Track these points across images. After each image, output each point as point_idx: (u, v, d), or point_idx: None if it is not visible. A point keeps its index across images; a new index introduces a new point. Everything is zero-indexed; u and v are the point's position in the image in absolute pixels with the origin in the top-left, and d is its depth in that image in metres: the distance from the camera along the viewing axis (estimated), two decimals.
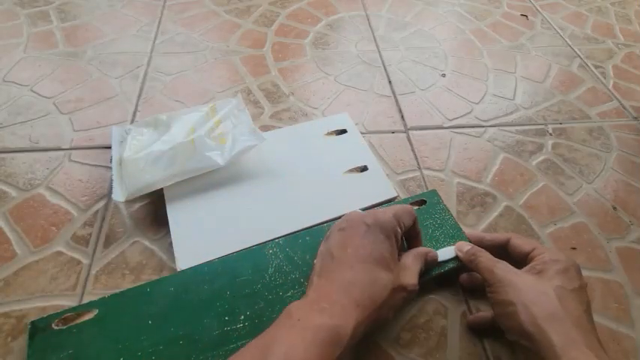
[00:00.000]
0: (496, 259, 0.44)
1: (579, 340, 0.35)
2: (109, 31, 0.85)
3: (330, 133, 0.66)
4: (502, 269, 0.42)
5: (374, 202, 0.58)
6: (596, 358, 0.34)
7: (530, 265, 0.43)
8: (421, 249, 0.47)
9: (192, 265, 0.48)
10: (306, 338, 0.33)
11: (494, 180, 0.64)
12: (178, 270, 0.49)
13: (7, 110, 0.67)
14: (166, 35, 0.85)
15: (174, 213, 0.54)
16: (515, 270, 0.42)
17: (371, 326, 0.38)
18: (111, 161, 0.59)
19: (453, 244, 0.52)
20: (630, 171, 0.68)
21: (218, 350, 0.42)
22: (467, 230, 0.54)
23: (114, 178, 0.56)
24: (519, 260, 0.46)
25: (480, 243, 0.50)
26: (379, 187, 0.60)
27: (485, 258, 0.45)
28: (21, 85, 0.72)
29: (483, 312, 0.49)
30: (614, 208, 0.63)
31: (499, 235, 0.50)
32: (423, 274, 0.45)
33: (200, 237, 0.52)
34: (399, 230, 0.43)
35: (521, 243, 0.47)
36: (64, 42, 0.81)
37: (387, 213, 0.43)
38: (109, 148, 0.62)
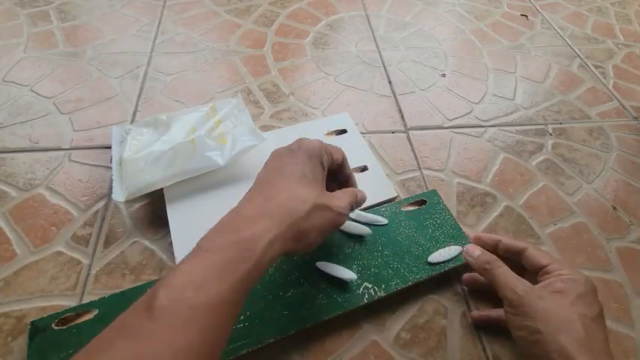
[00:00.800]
0: (515, 274, 0.43)
1: None
2: (109, 31, 0.85)
3: (330, 133, 0.66)
4: (526, 291, 0.41)
5: (374, 202, 0.58)
6: None
7: (547, 281, 0.43)
8: (351, 188, 0.46)
9: None
10: (207, 259, 0.31)
11: (494, 180, 0.64)
12: None
13: (7, 110, 0.67)
14: (166, 35, 0.85)
15: (174, 213, 0.54)
16: (537, 291, 0.41)
17: (292, 244, 0.36)
18: (111, 161, 0.60)
19: (454, 244, 0.52)
20: (630, 171, 0.68)
21: None
22: (482, 234, 0.53)
23: (114, 178, 0.56)
24: (532, 270, 0.46)
25: (494, 247, 0.50)
26: (379, 187, 0.60)
27: (504, 272, 0.43)
28: (21, 85, 0.72)
29: (488, 310, 0.49)
30: (614, 208, 0.63)
31: (516, 243, 0.49)
32: (352, 210, 0.44)
33: (200, 237, 0.52)
34: (326, 158, 0.43)
35: (537, 255, 0.46)
36: (64, 42, 0.81)
37: (313, 141, 0.43)
38: (109, 148, 0.62)
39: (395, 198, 0.59)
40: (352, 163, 0.62)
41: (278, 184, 0.38)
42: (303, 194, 0.38)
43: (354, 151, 0.64)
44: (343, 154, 0.46)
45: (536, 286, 0.42)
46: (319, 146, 0.42)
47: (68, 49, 0.80)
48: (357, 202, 0.44)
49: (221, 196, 0.56)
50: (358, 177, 0.60)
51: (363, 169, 0.62)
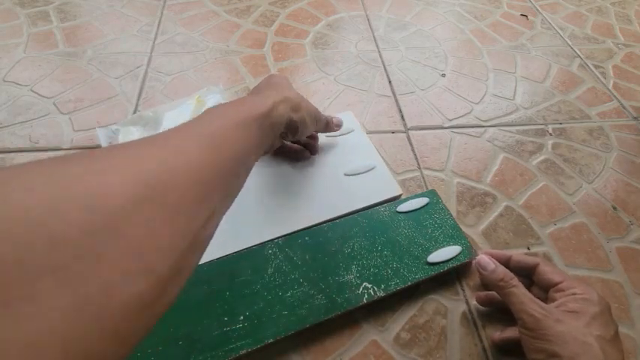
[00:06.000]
0: (530, 295, 0.43)
1: None
2: (109, 31, 0.85)
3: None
4: (543, 314, 0.40)
5: (378, 200, 0.57)
6: None
7: (560, 300, 0.43)
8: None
9: None
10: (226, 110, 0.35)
11: (494, 180, 0.64)
12: None
13: (7, 110, 0.67)
14: (166, 35, 0.85)
15: None
16: (555, 314, 0.40)
17: (292, 113, 0.45)
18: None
19: (453, 244, 0.52)
20: (630, 171, 0.68)
21: (217, 351, 0.42)
22: (493, 250, 0.52)
23: None
24: (543, 286, 0.46)
25: (505, 264, 0.49)
26: (384, 185, 0.60)
27: (520, 292, 0.43)
28: (21, 85, 0.72)
29: (509, 332, 0.47)
30: (614, 208, 0.62)
31: (527, 259, 0.48)
32: (326, 123, 0.56)
33: None
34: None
35: (550, 271, 0.46)
36: (64, 42, 0.81)
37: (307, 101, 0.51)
38: None
39: (400, 196, 0.59)
40: (358, 161, 0.62)
41: (269, 89, 0.46)
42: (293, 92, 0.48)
43: (360, 150, 0.64)
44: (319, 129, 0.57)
45: (548, 305, 0.42)
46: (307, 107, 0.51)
47: (68, 49, 0.80)
48: (326, 128, 0.58)
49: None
50: (363, 176, 0.60)
51: (369, 167, 0.61)
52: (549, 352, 0.38)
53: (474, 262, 0.49)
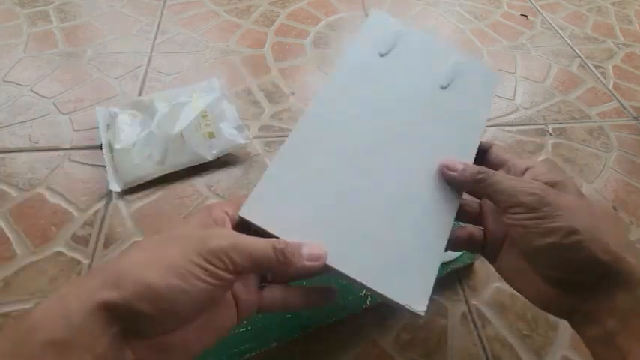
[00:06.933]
0: (517, 177, 0.35)
1: None
2: (109, 31, 0.85)
3: None
4: (543, 189, 0.32)
5: None
6: None
7: (536, 178, 0.35)
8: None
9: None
10: None
11: None
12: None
13: (7, 110, 0.67)
14: (166, 35, 0.85)
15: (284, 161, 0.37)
16: (555, 190, 0.33)
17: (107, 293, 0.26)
18: (101, 148, 0.62)
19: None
20: (630, 171, 0.68)
21: (220, 355, 0.41)
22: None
23: (107, 166, 0.59)
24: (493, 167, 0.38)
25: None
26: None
27: (507, 176, 0.35)
28: (21, 85, 0.72)
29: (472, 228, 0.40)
30: (614, 208, 0.62)
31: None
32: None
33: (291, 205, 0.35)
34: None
35: (503, 154, 0.39)
36: (63, 42, 0.81)
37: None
38: None
39: None
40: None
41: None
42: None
43: None
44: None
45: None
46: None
47: (68, 49, 0.80)
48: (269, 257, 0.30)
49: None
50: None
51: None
52: (565, 230, 0.31)
53: (441, 166, 0.38)
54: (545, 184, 0.34)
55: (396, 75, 0.42)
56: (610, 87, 0.84)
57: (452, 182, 0.38)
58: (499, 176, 0.35)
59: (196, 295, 0.27)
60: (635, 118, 0.77)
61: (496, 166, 0.39)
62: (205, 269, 0.27)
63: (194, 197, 0.58)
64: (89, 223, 0.54)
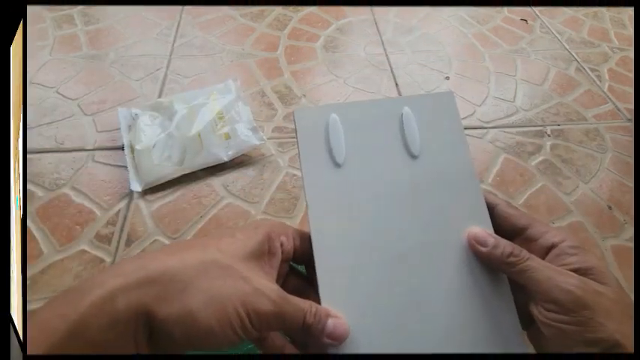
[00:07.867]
0: (551, 264, 0.28)
1: None
2: (131, 34, 0.82)
3: None
4: (582, 287, 0.26)
5: None
6: None
7: (550, 255, 0.29)
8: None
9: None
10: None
11: (495, 180, 0.62)
12: None
13: (33, 112, 0.65)
14: (185, 38, 0.82)
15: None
16: (589, 282, 0.26)
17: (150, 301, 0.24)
18: (123, 149, 0.60)
19: None
20: (625, 171, 0.66)
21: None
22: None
23: (128, 167, 0.57)
24: (505, 235, 0.30)
25: None
26: None
27: (542, 264, 0.27)
28: (47, 87, 0.69)
29: None
30: (609, 208, 0.60)
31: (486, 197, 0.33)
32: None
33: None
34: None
35: (514, 214, 0.31)
36: (87, 45, 0.79)
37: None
38: None
39: None
40: None
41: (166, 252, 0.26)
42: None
43: None
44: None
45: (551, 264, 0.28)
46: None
47: (92, 51, 0.77)
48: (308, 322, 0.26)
49: None
50: None
51: None
52: (611, 343, 0.24)
53: (468, 237, 0.30)
54: (578, 270, 0.27)
55: (364, 173, 0.33)
56: (605, 90, 0.81)
57: (480, 257, 0.30)
58: (535, 262, 0.27)
59: (220, 340, 0.24)
60: (629, 120, 0.75)
61: (505, 228, 0.31)
62: (243, 325, 0.24)
63: (211, 197, 0.56)
64: (112, 222, 0.52)
